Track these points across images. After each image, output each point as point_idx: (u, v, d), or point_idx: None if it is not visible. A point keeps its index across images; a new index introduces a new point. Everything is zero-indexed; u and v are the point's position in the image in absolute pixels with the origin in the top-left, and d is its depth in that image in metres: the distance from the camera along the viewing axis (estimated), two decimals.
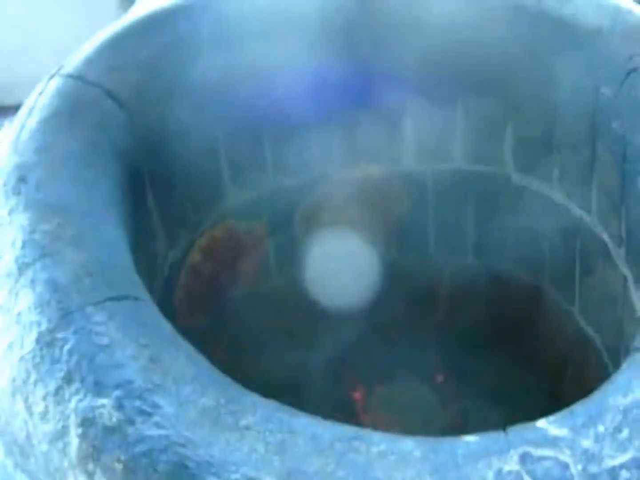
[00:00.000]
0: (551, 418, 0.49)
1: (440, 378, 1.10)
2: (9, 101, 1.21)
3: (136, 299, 0.50)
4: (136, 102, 0.66)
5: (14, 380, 0.48)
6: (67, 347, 0.46)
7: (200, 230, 0.86)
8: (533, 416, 0.50)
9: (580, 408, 0.49)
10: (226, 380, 0.48)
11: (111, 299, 0.49)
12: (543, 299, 1.00)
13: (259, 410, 0.46)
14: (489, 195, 0.97)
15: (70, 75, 0.64)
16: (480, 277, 1.06)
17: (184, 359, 0.48)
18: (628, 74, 0.69)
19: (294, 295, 1.01)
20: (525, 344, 1.04)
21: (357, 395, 1.11)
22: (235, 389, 0.47)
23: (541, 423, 0.48)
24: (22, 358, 0.48)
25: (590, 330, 0.92)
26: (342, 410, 1.07)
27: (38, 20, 1.20)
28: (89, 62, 0.65)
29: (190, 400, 0.45)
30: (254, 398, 0.47)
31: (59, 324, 0.47)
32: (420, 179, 0.96)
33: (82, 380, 0.45)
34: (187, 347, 0.49)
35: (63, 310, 0.48)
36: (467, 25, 0.81)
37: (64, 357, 0.46)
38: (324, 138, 0.92)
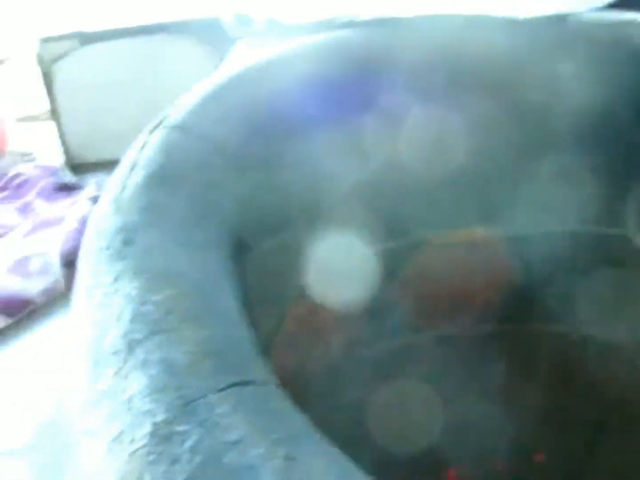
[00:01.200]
0: None
1: None
2: (92, 158, 1.18)
3: (263, 384, 0.43)
4: (243, 159, 0.59)
5: None
6: (189, 444, 0.39)
7: (296, 298, 0.79)
8: None
9: None
10: None
11: (236, 384, 0.41)
12: None
13: None
14: (604, 260, 0.88)
15: (175, 127, 0.58)
16: (587, 349, 0.97)
17: (324, 458, 0.40)
18: None
19: (382, 369, 0.93)
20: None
21: None
22: None
23: None
24: (133, 454, 0.40)
25: None
26: None
27: (124, 77, 1.17)
28: (194, 113, 0.59)
29: None
30: None
31: (178, 415, 0.40)
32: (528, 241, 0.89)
33: None
34: (325, 443, 0.41)
35: (182, 398, 0.40)
36: None
37: (186, 456, 0.38)
38: (423, 200, 0.86)
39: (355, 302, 0.86)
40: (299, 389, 0.83)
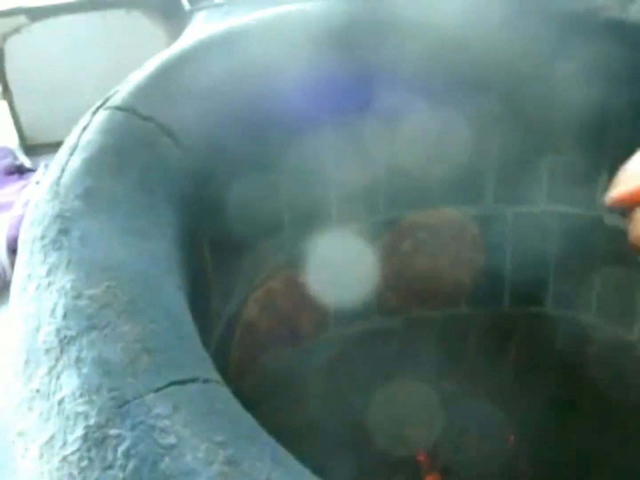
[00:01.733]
0: None
1: None
2: (47, 139, 1.14)
3: (206, 381, 0.40)
4: (195, 139, 0.56)
5: None
6: (122, 448, 0.36)
7: (257, 281, 0.76)
8: None
9: None
10: None
11: (176, 383, 0.39)
12: (633, 355, 0.89)
13: None
14: (575, 239, 0.87)
15: (118, 108, 0.54)
16: (559, 329, 0.95)
17: (269, 461, 0.37)
18: None
19: (352, 353, 0.91)
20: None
21: None
22: None
23: None
24: (64, 459, 0.38)
25: None
26: None
27: (78, 53, 1.13)
28: (140, 92, 0.56)
29: None
30: None
31: (112, 417, 0.37)
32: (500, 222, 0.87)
33: None
34: (272, 444, 0.39)
35: (116, 399, 0.38)
36: None
37: (119, 461, 0.36)
38: (394, 181, 0.83)
39: (324, 284, 0.83)
40: (261, 376, 0.81)
